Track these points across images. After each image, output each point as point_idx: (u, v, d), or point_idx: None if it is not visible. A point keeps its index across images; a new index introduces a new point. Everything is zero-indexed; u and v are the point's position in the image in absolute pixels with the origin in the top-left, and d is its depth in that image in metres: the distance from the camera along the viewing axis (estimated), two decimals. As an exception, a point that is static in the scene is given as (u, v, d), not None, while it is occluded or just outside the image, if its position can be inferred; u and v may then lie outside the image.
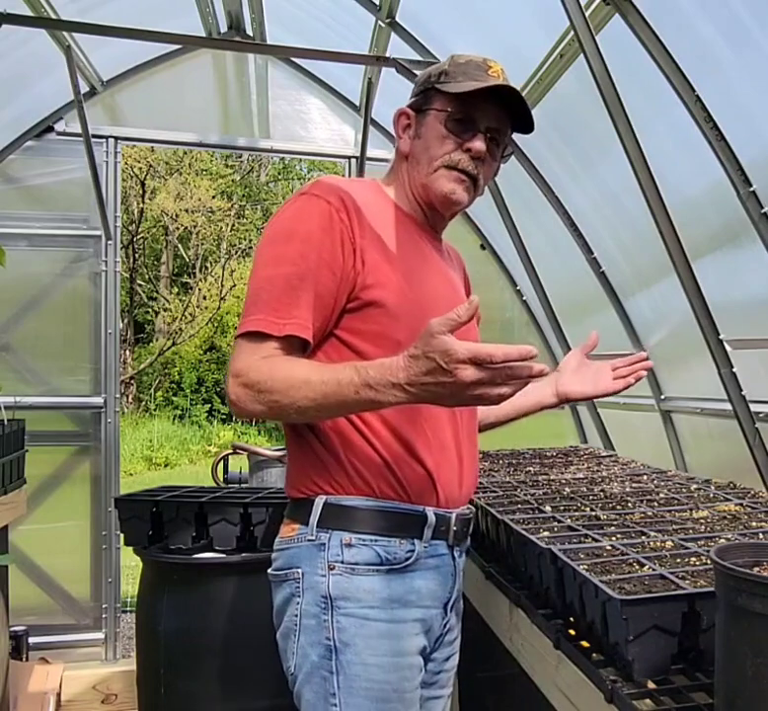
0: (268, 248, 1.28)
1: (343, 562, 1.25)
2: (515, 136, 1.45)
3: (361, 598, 1.25)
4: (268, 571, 1.36)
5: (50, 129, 3.41)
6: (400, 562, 1.28)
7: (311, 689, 1.26)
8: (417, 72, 2.86)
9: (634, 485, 2.18)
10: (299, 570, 1.27)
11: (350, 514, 1.27)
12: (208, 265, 16.97)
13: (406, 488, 1.29)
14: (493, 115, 1.35)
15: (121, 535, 2.49)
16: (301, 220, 1.27)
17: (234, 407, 1.21)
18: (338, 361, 1.23)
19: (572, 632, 1.37)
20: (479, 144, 1.34)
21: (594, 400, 3.62)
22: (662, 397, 3.12)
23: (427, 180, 1.37)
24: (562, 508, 1.85)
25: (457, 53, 1.39)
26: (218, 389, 15.95)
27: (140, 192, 14.46)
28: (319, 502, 1.28)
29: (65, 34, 2.89)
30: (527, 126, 1.40)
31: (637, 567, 1.31)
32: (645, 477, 2.32)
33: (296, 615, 1.27)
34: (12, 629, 2.67)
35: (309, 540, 1.27)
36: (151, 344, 16.67)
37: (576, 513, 1.77)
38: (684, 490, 2.07)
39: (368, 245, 1.28)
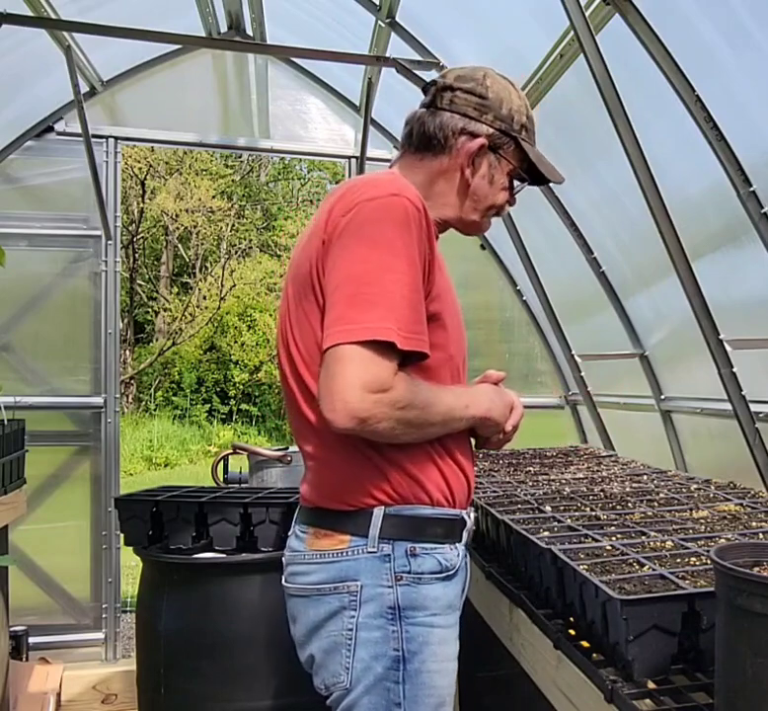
0: (367, 247, 1.19)
1: (410, 572, 1.25)
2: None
3: (428, 606, 1.26)
4: (295, 584, 1.31)
5: (50, 129, 3.41)
6: (454, 567, 1.30)
7: (371, 701, 1.24)
8: (417, 72, 2.86)
9: (634, 485, 2.18)
10: (357, 582, 1.24)
11: (412, 524, 1.27)
12: (208, 265, 16.96)
13: (454, 494, 1.33)
14: None
15: (121, 535, 2.49)
16: (401, 225, 1.20)
17: (354, 422, 1.13)
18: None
19: (572, 632, 1.37)
20: (515, 199, 1.49)
21: (594, 400, 3.62)
22: (662, 397, 3.12)
23: (476, 218, 1.45)
24: (562, 508, 1.85)
25: (527, 101, 1.45)
26: (218, 389, 15.92)
27: (140, 192, 14.46)
28: (378, 513, 1.26)
29: (65, 34, 2.89)
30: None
31: (637, 567, 1.31)
32: (645, 477, 2.32)
33: (350, 629, 1.24)
34: (12, 629, 2.67)
35: (370, 552, 1.25)
36: (151, 344, 16.66)
37: (576, 513, 1.77)
38: (684, 490, 2.07)
39: (433, 256, 1.27)
